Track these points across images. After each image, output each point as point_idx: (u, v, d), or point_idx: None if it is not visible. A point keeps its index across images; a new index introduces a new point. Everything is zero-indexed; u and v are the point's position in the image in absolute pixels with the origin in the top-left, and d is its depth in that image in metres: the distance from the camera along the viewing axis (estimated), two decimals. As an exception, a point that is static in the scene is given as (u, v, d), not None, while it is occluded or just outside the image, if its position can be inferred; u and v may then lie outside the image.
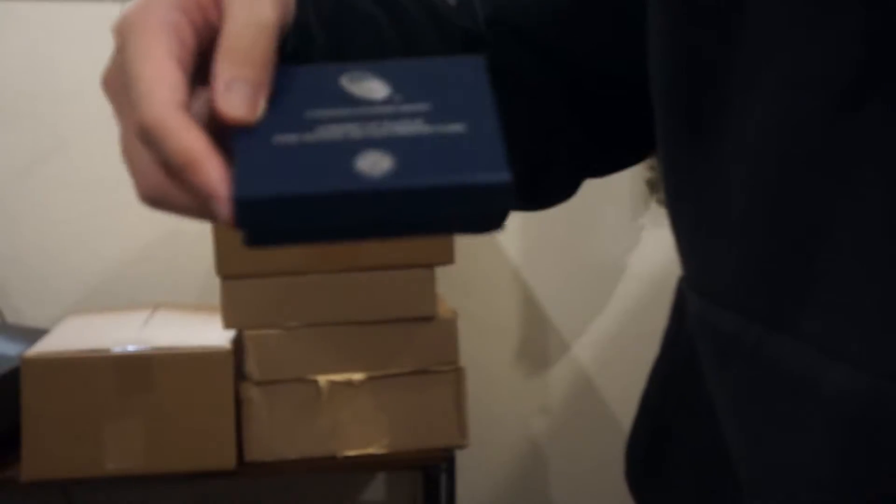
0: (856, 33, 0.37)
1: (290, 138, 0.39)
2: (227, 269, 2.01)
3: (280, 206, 0.38)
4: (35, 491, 1.97)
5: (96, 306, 2.39)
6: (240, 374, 2.04)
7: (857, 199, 0.37)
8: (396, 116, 0.40)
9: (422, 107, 0.40)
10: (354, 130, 0.39)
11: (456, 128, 0.39)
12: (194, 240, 2.39)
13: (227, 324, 2.04)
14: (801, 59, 0.39)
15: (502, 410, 2.46)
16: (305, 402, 2.01)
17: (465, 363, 1.97)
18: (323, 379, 2.00)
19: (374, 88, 0.41)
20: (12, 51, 2.39)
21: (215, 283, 2.12)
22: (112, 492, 2.26)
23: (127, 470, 1.96)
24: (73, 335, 2.09)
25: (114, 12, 2.39)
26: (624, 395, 2.50)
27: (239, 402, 2.02)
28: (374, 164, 0.38)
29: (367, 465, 2.07)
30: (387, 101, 0.40)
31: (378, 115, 0.40)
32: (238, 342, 2.04)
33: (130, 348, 1.97)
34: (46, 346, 2.00)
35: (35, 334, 2.14)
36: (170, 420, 1.97)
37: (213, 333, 2.07)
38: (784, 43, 0.40)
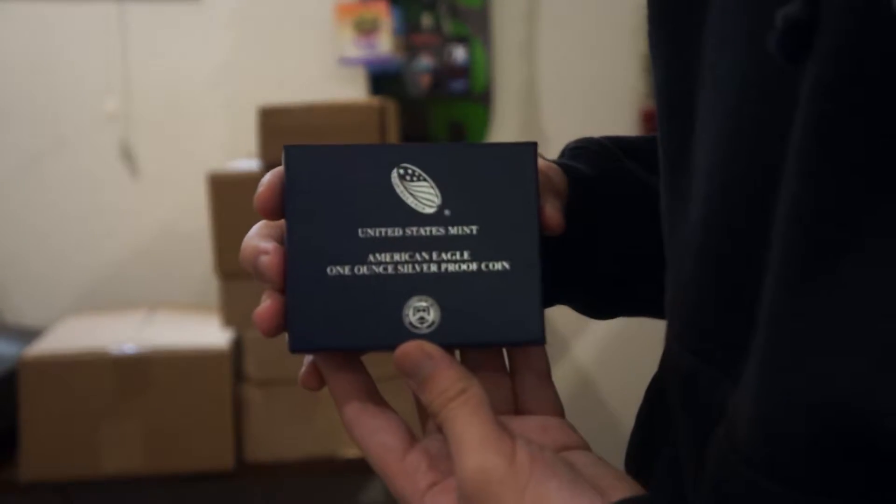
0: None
1: (344, 270, 0.42)
2: (226, 269, 2.00)
3: (332, 352, 0.43)
4: (33, 492, 1.97)
5: (94, 306, 2.38)
6: (239, 375, 2.03)
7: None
8: (445, 246, 0.43)
9: (470, 230, 0.43)
10: (405, 263, 0.42)
11: (500, 266, 0.43)
12: (192, 240, 2.39)
13: (226, 322, 2.03)
14: (718, 108, 0.39)
15: (502, 411, 2.45)
16: (305, 403, 2.00)
17: (464, 363, 1.96)
18: (322, 379, 1.99)
19: (424, 195, 0.43)
20: (11, 50, 2.38)
21: (213, 282, 2.11)
22: (110, 493, 2.26)
23: (125, 471, 1.95)
24: (70, 336, 2.09)
25: (113, 12, 2.38)
26: (623, 395, 2.49)
27: (238, 403, 2.01)
28: (422, 318, 0.42)
29: (366, 466, 2.06)
30: (437, 219, 0.43)
31: (428, 242, 0.43)
32: (237, 343, 2.04)
33: (128, 349, 1.97)
34: (44, 347, 1.99)
35: (32, 334, 2.13)
36: (168, 421, 1.97)
37: (211, 334, 2.06)
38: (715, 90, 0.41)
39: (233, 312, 2.03)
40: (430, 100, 2.93)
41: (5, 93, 2.39)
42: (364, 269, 0.42)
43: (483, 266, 0.43)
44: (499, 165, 0.44)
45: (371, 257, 0.42)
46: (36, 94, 2.39)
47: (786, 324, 0.32)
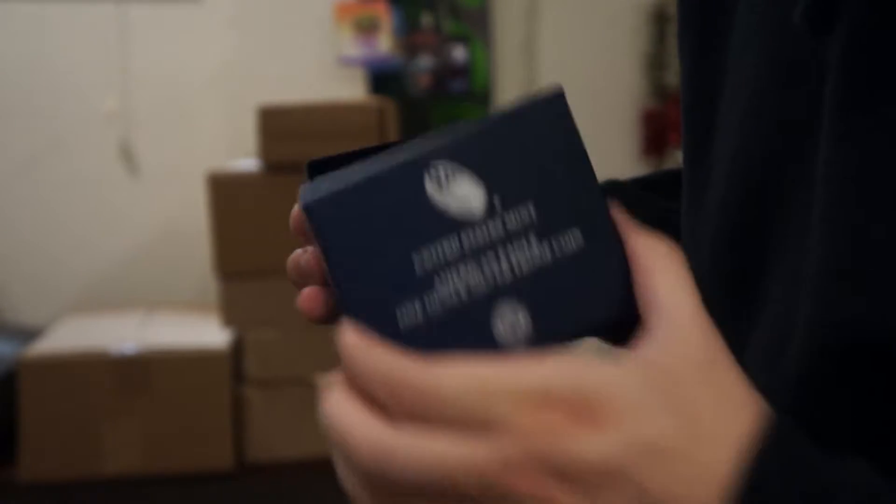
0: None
1: (413, 309, 0.36)
2: (225, 268, 2.00)
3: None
4: (33, 492, 1.97)
5: (94, 306, 2.38)
6: (239, 375, 2.03)
7: (786, 248, 0.38)
8: (508, 239, 0.37)
9: (527, 209, 0.37)
10: (474, 277, 0.37)
11: (572, 243, 0.37)
12: (192, 240, 2.38)
13: (226, 322, 2.03)
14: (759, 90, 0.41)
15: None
16: (305, 403, 2.00)
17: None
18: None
19: (466, 196, 0.37)
20: (11, 50, 2.38)
21: (213, 282, 2.11)
22: (110, 493, 2.26)
23: (124, 471, 1.95)
24: (70, 336, 2.09)
25: (113, 12, 2.38)
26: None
27: (238, 403, 2.01)
28: (513, 326, 0.37)
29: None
30: (488, 216, 0.37)
31: (489, 245, 0.37)
32: (237, 343, 2.04)
33: (128, 350, 1.97)
34: (44, 347, 1.99)
35: (32, 334, 2.13)
36: (167, 421, 1.97)
37: (210, 334, 2.06)
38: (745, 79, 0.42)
39: (233, 312, 2.02)
40: (429, 99, 2.94)
41: (5, 92, 2.39)
42: (432, 299, 0.37)
43: (555, 244, 0.37)
44: (532, 127, 0.38)
45: (436, 281, 0.37)
46: (35, 94, 2.39)
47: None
